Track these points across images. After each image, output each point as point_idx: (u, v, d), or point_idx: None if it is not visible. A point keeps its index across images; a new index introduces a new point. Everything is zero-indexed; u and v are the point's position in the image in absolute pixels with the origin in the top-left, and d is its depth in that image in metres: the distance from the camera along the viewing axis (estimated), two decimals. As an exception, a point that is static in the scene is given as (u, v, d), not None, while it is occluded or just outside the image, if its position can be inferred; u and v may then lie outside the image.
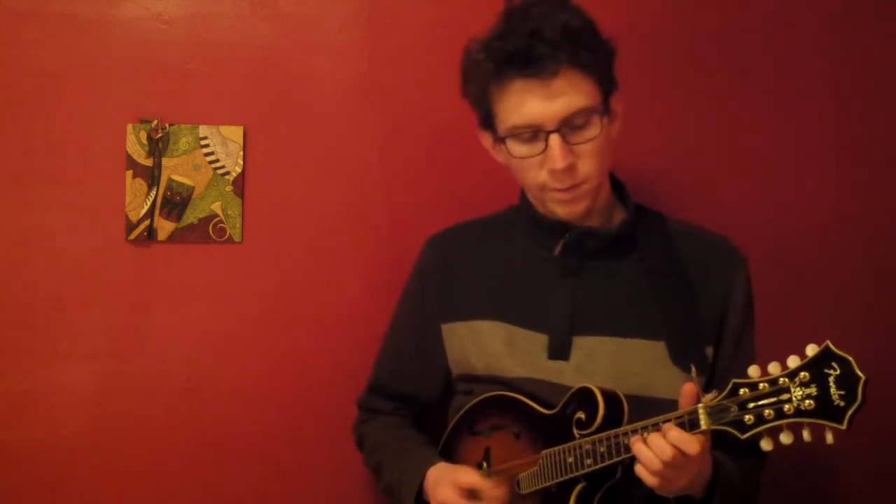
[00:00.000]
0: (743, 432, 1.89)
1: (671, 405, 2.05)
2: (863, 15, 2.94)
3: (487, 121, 2.34)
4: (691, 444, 1.95)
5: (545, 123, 2.19)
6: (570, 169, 2.22)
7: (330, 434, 2.79)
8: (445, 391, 2.60)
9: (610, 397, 2.16)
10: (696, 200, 2.89)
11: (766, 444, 1.88)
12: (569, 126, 2.20)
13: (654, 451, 1.97)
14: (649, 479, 2.01)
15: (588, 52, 2.22)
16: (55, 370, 2.80)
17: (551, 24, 2.20)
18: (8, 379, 2.78)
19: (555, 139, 2.19)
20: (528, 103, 2.20)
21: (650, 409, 2.08)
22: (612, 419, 2.13)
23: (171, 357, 2.84)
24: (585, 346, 2.34)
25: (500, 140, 2.30)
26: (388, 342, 2.69)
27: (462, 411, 2.46)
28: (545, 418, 2.26)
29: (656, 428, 2.00)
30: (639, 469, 2.02)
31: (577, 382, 2.23)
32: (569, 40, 2.19)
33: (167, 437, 2.85)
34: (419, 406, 2.67)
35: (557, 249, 2.38)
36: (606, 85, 2.28)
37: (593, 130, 2.23)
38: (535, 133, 2.22)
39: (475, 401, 2.42)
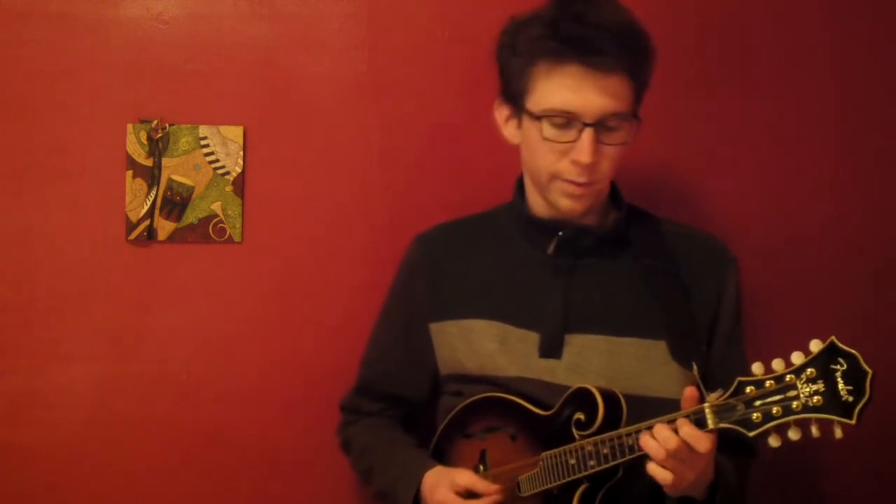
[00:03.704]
0: (750, 430, 1.90)
1: (666, 404, 2.08)
2: (863, 14, 2.96)
3: (517, 95, 2.31)
4: (702, 440, 1.96)
5: (584, 115, 2.19)
6: (593, 166, 2.22)
7: (329, 434, 2.76)
8: (433, 391, 2.59)
9: (609, 398, 2.16)
10: (696, 200, 2.90)
11: (774, 441, 1.89)
12: (603, 125, 2.21)
13: (661, 442, 1.98)
14: (660, 474, 2.01)
15: (642, 60, 2.26)
16: (55, 370, 2.80)
17: (620, 22, 2.22)
18: (8, 379, 2.78)
19: (589, 133, 2.19)
20: (577, 91, 2.20)
21: (645, 409, 2.10)
22: (612, 420, 2.14)
23: (170, 357, 2.84)
24: (578, 345, 2.34)
25: (529, 116, 2.27)
26: (375, 342, 2.68)
27: (453, 413, 2.45)
28: (542, 419, 2.26)
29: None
30: (651, 466, 2.02)
31: (570, 381, 2.25)
32: (631, 43, 2.22)
33: (167, 436, 2.85)
34: (407, 406, 2.66)
35: (551, 248, 2.38)
36: (641, 96, 2.30)
37: (622, 135, 2.25)
38: (569, 121, 2.21)
39: (467, 402, 2.42)
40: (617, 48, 2.18)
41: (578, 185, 2.26)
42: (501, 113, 2.39)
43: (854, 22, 2.96)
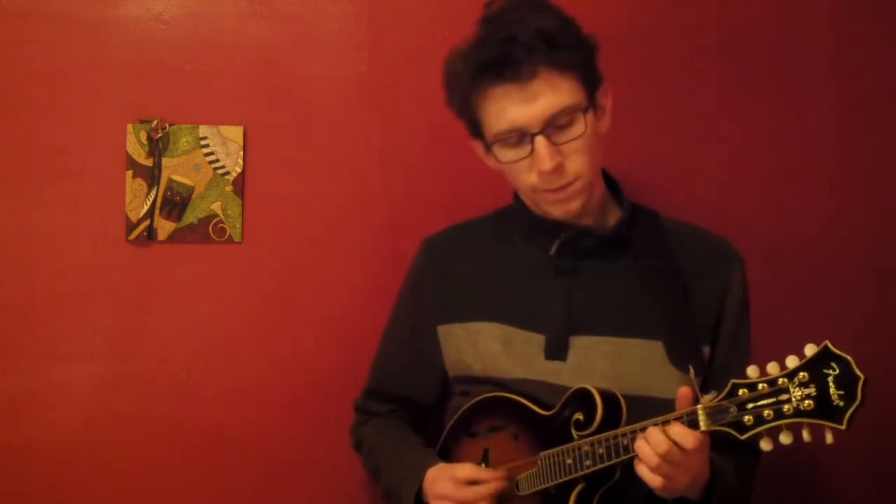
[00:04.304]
0: (742, 433, 1.90)
1: (669, 405, 2.05)
2: (863, 15, 2.95)
3: (475, 129, 2.34)
4: (688, 438, 1.96)
5: (528, 126, 2.20)
6: (559, 169, 2.21)
7: (330, 434, 2.79)
8: (442, 393, 2.60)
9: (608, 398, 2.16)
10: (696, 200, 2.89)
11: (765, 445, 1.88)
12: (553, 126, 2.20)
13: (652, 445, 1.98)
14: (649, 477, 2.01)
15: (565, 51, 2.22)
16: (55, 370, 2.80)
17: (525, 27, 2.20)
18: (8, 379, 2.79)
19: (540, 141, 2.19)
20: (508, 108, 2.21)
21: (648, 409, 2.09)
22: (611, 420, 2.14)
23: (170, 357, 2.85)
24: (583, 347, 2.34)
25: (489, 145, 2.30)
26: (385, 345, 2.69)
27: (459, 413, 2.46)
28: (543, 419, 2.26)
29: (655, 429, 2.00)
30: (639, 467, 2.02)
31: (574, 383, 2.24)
32: (544, 41, 2.18)
33: (167, 437, 2.85)
34: (416, 408, 2.67)
35: (553, 249, 2.38)
36: (590, 81, 2.27)
37: (578, 128, 2.22)
38: (520, 137, 2.22)
39: (472, 402, 2.42)
40: (527, 52, 2.17)
41: (555, 191, 2.26)
42: (478, 148, 2.41)
43: (854, 22, 2.95)
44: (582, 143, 2.23)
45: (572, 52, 2.24)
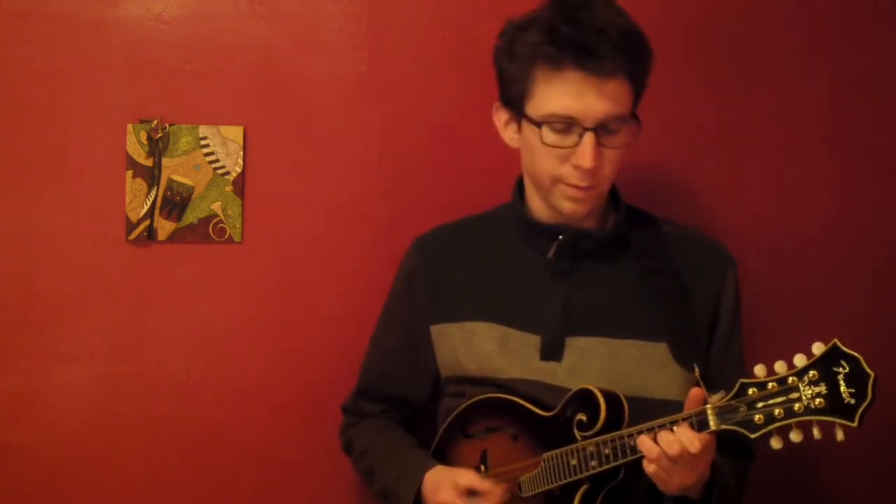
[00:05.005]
0: (752, 432, 1.91)
1: (666, 405, 2.08)
2: (863, 14, 2.96)
3: (516, 100, 2.30)
4: (693, 441, 1.96)
5: (585, 120, 2.19)
6: (595, 169, 2.22)
7: (330, 434, 2.76)
8: (435, 392, 2.59)
9: (611, 398, 2.16)
10: (696, 200, 2.90)
11: (776, 443, 1.89)
12: (604, 128, 2.21)
13: (662, 446, 1.99)
14: (652, 470, 2.03)
15: (640, 63, 2.25)
16: (55, 370, 2.80)
17: (618, 25, 2.21)
18: (8, 379, 2.78)
19: (590, 137, 2.19)
20: (576, 96, 2.19)
21: (645, 410, 2.10)
22: (614, 421, 2.14)
23: (170, 357, 2.84)
24: (578, 347, 2.33)
25: (529, 121, 2.27)
26: (376, 344, 2.68)
27: (455, 413, 2.45)
28: (544, 420, 2.26)
29: (663, 429, 2.01)
30: (646, 463, 2.03)
31: (570, 383, 2.24)
32: (629, 46, 2.20)
33: (167, 437, 2.85)
34: (409, 408, 2.66)
35: (551, 252, 2.38)
36: (639, 97, 2.30)
37: (623, 138, 2.25)
38: (569, 126, 2.21)
39: (468, 402, 2.42)
40: (616, 52, 2.17)
41: (581, 188, 2.26)
42: (500, 117, 2.39)
43: (854, 22, 2.96)
44: (619, 152, 2.26)
45: (645, 66, 2.27)
